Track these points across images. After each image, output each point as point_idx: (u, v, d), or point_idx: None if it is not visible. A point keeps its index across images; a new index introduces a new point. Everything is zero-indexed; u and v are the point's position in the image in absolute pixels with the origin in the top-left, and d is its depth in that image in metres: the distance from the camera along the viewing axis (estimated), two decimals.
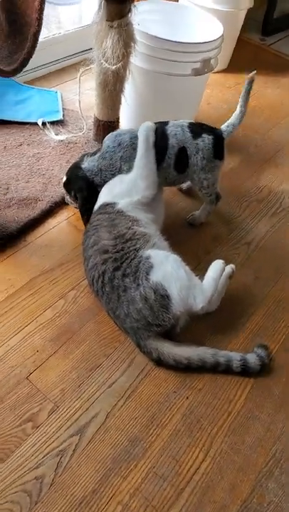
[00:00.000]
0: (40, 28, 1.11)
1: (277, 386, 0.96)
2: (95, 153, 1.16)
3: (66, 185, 1.20)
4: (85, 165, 1.15)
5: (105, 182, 1.14)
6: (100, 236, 1.00)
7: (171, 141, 1.12)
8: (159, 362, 0.93)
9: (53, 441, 0.82)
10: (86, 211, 1.14)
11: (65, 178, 1.19)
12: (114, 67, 1.22)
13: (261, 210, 1.40)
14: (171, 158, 1.13)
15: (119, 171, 1.12)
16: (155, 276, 0.92)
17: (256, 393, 0.94)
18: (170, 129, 1.13)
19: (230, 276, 1.05)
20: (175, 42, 1.28)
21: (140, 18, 1.27)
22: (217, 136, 1.14)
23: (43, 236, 1.19)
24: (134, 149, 1.11)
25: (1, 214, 1.19)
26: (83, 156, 1.19)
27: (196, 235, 1.28)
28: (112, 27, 1.16)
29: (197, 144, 1.12)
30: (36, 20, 1.08)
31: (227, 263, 1.19)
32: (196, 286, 0.95)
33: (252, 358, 0.94)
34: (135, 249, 0.97)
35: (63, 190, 1.22)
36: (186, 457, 0.83)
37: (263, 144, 1.69)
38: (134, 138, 1.11)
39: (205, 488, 0.80)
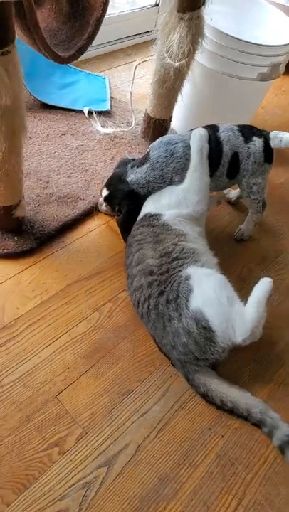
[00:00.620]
0: (105, 13, 1.03)
1: None
2: (141, 163, 1.05)
3: (108, 200, 1.10)
4: (131, 177, 1.05)
5: (151, 193, 1.05)
6: (145, 254, 0.93)
7: (226, 148, 1.04)
8: (206, 398, 0.86)
9: (80, 472, 0.77)
10: (129, 226, 1.05)
11: (106, 192, 1.10)
12: (177, 64, 1.12)
13: None
14: (224, 166, 1.06)
15: (170, 183, 1.04)
16: (195, 302, 0.84)
17: None
18: (223, 135, 1.04)
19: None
20: (247, 42, 1.16)
21: (208, 11, 1.16)
22: (267, 138, 1.06)
23: (81, 239, 1.13)
24: (188, 160, 1.02)
25: (40, 210, 1.12)
26: (124, 163, 1.10)
27: (241, 253, 1.20)
28: (182, 19, 1.05)
29: (249, 147, 1.05)
30: (102, 4, 1.00)
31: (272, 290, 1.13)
32: (237, 316, 0.85)
33: None
34: (180, 270, 0.90)
35: (100, 199, 1.15)
36: (218, 504, 0.78)
37: None
38: (187, 147, 1.03)
39: None
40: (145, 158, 1.06)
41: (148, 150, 1.08)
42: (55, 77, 1.55)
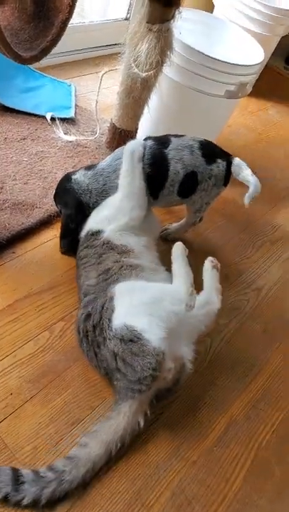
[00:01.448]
0: (71, 16, 0.97)
1: (280, 465, 0.85)
2: (89, 168, 1.01)
3: (54, 197, 1.06)
4: (76, 175, 1.00)
5: (93, 204, 1.00)
6: (88, 276, 0.88)
7: (175, 166, 0.98)
8: None
9: None
10: (68, 232, 1.00)
11: (54, 192, 1.06)
12: (144, 75, 1.09)
13: (274, 253, 1.30)
14: (174, 186, 1.00)
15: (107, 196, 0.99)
16: (118, 320, 0.76)
17: (256, 472, 0.82)
18: (173, 153, 0.98)
19: (217, 268, 0.95)
20: (216, 59, 1.15)
21: (178, 26, 1.15)
22: (230, 162, 1.02)
23: (34, 250, 1.04)
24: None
25: None
26: (79, 168, 1.05)
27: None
28: (151, 30, 1.02)
29: (212, 169, 1.00)
30: (68, 6, 0.94)
31: (235, 310, 1.10)
32: (167, 294, 0.80)
33: None
34: (110, 287, 0.83)
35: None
36: None
37: (282, 178, 1.60)
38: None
39: None
40: (94, 165, 1.02)
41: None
42: (18, 80, 1.48)
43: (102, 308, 0.79)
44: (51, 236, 1.09)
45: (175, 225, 1.18)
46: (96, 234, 0.93)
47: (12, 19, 1.00)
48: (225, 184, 1.04)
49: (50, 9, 0.97)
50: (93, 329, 0.79)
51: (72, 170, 1.20)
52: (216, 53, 1.18)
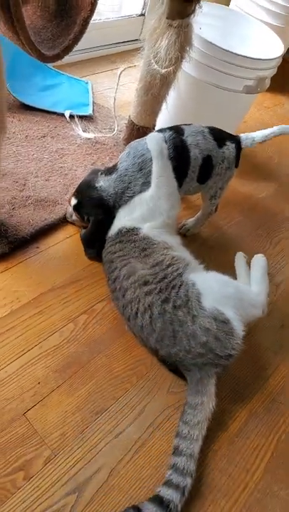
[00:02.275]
0: (93, 14, 0.99)
1: None
2: (110, 172, 1.01)
3: (77, 209, 1.04)
4: (100, 184, 1.00)
5: (119, 205, 1.00)
6: (135, 267, 0.89)
7: (194, 151, 1.00)
8: None
9: (46, 499, 0.70)
10: (96, 239, 1.00)
11: (74, 200, 1.03)
12: (164, 71, 1.10)
13: None
14: (194, 172, 1.02)
15: (133, 195, 0.99)
16: (208, 303, 0.83)
17: (276, 463, 0.84)
18: (190, 139, 1.00)
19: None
20: (234, 54, 1.16)
21: (198, 21, 1.15)
22: (239, 143, 1.06)
23: (57, 245, 1.07)
24: None
25: (15, 214, 1.06)
26: (94, 172, 1.04)
27: (223, 265, 1.17)
28: (171, 26, 1.03)
29: (223, 152, 1.03)
30: (90, 4, 0.96)
31: None
32: (248, 295, 0.90)
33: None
34: (179, 275, 0.87)
35: (69, 209, 1.08)
36: None
37: None
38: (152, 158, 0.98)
39: None
40: (114, 167, 1.02)
41: (119, 159, 1.03)
42: (37, 78, 1.50)
43: (188, 291, 0.84)
44: (72, 232, 1.11)
45: (192, 219, 1.19)
46: (131, 231, 0.94)
47: (34, 18, 1.02)
48: (236, 165, 1.07)
49: (72, 7, 0.99)
50: (174, 309, 0.83)
51: (90, 167, 1.23)
52: (235, 47, 1.18)
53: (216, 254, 1.18)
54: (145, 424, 0.83)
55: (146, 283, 0.86)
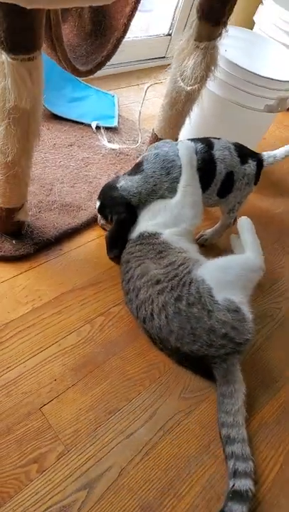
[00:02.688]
0: (125, 34, 1.06)
1: None
2: (134, 173, 1.04)
3: (101, 210, 1.09)
4: (121, 183, 1.03)
5: (142, 204, 1.04)
6: (148, 267, 0.92)
7: (220, 166, 1.04)
8: None
9: (58, 493, 0.72)
10: (120, 238, 1.04)
11: (98, 203, 1.09)
12: (189, 88, 1.15)
13: None
14: (216, 185, 1.06)
15: (160, 197, 1.03)
16: (219, 295, 0.87)
17: (284, 476, 0.84)
18: (218, 154, 1.05)
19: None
20: (257, 75, 1.20)
21: (223, 43, 1.20)
22: (260, 161, 1.10)
23: (79, 248, 1.11)
24: None
25: (40, 216, 1.10)
26: (117, 177, 1.09)
27: None
28: (198, 47, 1.08)
29: (245, 169, 1.07)
30: (124, 25, 1.02)
31: (267, 317, 1.13)
32: (247, 266, 0.94)
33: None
34: (188, 272, 0.90)
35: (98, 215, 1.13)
36: None
37: None
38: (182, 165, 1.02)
39: None
40: (138, 168, 1.05)
41: (140, 160, 1.07)
42: (67, 90, 1.57)
43: (198, 288, 0.87)
44: (94, 236, 1.15)
45: (210, 230, 1.22)
46: (153, 235, 0.98)
47: (71, 36, 1.09)
48: (255, 183, 1.11)
49: (106, 28, 1.05)
50: (188, 307, 0.86)
51: (114, 176, 1.28)
52: (257, 69, 1.23)
53: None
54: (156, 427, 0.84)
55: (158, 282, 0.89)
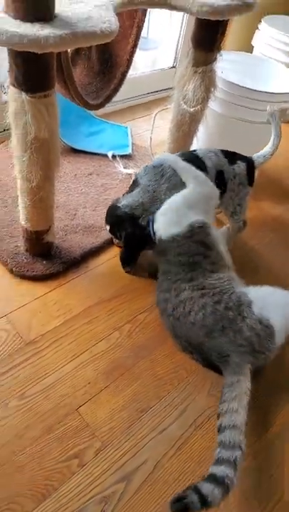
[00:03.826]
0: (129, 69, 1.18)
1: None
2: (131, 190, 1.11)
3: (111, 231, 1.15)
4: (122, 203, 1.10)
5: (147, 212, 1.08)
6: (198, 275, 0.98)
7: (208, 163, 1.10)
8: None
9: (98, 485, 0.77)
10: (133, 248, 1.10)
11: (107, 227, 1.15)
12: (192, 110, 1.25)
13: None
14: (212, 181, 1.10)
15: (161, 201, 1.07)
16: (257, 309, 0.91)
17: None
18: (202, 153, 1.12)
19: None
20: (254, 90, 1.30)
21: (220, 66, 1.31)
22: (250, 162, 1.16)
23: (103, 265, 1.19)
24: (176, 176, 1.08)
25: (67, 238, 1.21)
26: (117, 199, 1.14)
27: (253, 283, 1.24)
28: (196, 72, 1.19)
29: (234, 169, 1.13)
30: (127, 61, 1.14)
31: None
32: None
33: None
34: (232, 287, 0.96)
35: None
36: None
37: None
38: (171, 165, 1.09)
39: None
40: (134, 185, 1.11)
41: (135, 178, 1.13)
42: (83, 126, 1.72)
43: (240, 298, 0.93)
44: (116, 253, 1.24)
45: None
46: (203, 226, 1.01)
47: (82, 77, 1.23)
48: (250, 184, 1.16)
49: (112, 65, 1.18)
50: (225, 309, 0.91)
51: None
52: (256, 85, 1.32)
53: (247, 271, 1.25)
54: (187, 423, 0.88)
55: (203, 287, 0.94)
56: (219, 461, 0.72)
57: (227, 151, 1.16)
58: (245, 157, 1.17)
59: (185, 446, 0.85)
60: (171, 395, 0.93)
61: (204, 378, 0.96)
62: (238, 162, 1.14)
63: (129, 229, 1.09)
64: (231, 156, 1.15)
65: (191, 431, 0.87)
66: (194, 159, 1.11)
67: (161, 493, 0.78)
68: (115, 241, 1.24)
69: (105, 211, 1.33)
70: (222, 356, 0.89)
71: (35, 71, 0.76)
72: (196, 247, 0.99)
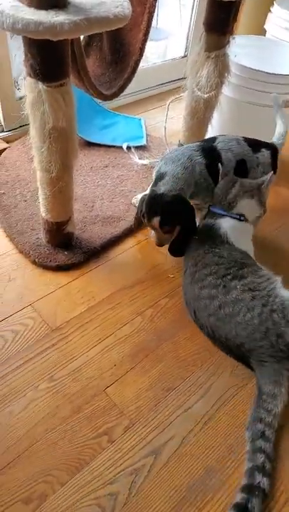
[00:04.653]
0: (142, 57, 1.19)
1: None
2: (158, 182, 1.05)
3: (165, 222, 1.03)
4: (162, 190, 1.03)
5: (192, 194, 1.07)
6: (246, 272, 0.99)
7: (227, 155, 1.08)
8: None
9: (128, 459, 0.80)
10: (189, 234, 1.05)
11: (157, 218, 1.03)
12: (206, 96, 1.26)
13: None
14: (229, 173, 1.09)
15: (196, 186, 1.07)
16: None
17: None
18: (221, 145, 1.09)
19: None
20: (268, 73, 1.29)
21: (232, 50, 1.31)
22: (274, 149, 1.13)
23: (123, 254, 1.22)
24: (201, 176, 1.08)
25: (86, 229, 1.24)
26: (151, 191, 1.06)
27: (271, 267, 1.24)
28: (209, 57, 1.20)
29: (258, 157, 1.10)
30: (139, 49, 1.16)
31: None
32: None
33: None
34: (274, 288, 0.96)
35: (151, 232, 1.12)
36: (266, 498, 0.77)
37: None
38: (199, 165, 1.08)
39: None
40: (160, 178, 1.05)
41: (157, 173, 1.08)
42: (97, 119, 1.75)
43: (284, 303, 0.93)
44: (135, 242, 1.26)
45: None
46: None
47: (94, 68, 1.26)
48: (274, 171, 1.13)
49: (124, 54, 1.20)
50: (270, 312, 0.91)
51: (148, 187, 1.39)
52: (270, 69, 1.32)
53: (265, 255, 1.26)
54: (212, 401, 0.90)
55: (254, 288, 0.95)
56: (265, 472, 0.77)
57: (250, 138, 1.14)
58: (269, 144, 1.15)
59: (211, 422, 0.87)
60: (195, 374, 0.95)
61: (227, 359, 0.98)
62: (263, 150, 1.12)
63: (187, 215, 1.03)
64: (255, 145, 1.13)
65: (216, 408, 0.89)
66: (211, 151, 1.08)
67: (190, 465, 0.80)
68: (151, 234, 1.15)
69: (122, 201, 1.35)
70: (260, 360, 0.91)
71: (50, 59, 0.78)
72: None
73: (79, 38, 0.96)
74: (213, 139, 1.13)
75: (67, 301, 1.07)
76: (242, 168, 1.11)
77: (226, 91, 1.36)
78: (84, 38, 1.29)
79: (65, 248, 1.17)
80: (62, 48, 0.78)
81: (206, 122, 1.39)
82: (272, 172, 1.08)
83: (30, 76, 0.81)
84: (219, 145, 1.11)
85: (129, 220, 1.30)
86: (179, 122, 1.80)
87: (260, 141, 1.16)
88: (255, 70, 1.30)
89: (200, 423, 0.87)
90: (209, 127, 1.41)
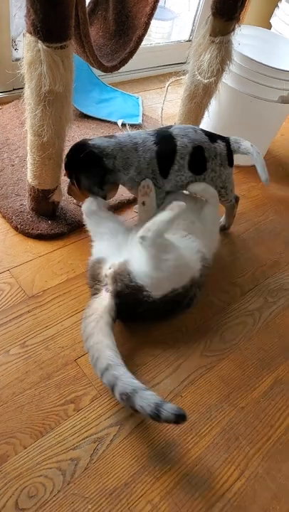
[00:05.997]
0: (146, 32, 1.17)
1: None
2: (109, 137, 1.00)
3: (67, 166, 1.00)
4: (94, 142, 0.97)
5: (116, 168, 0.98)
6: None
7: (182, 140, 1.03)
8: None
9: (92, 428, 0.82)
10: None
11: (65, 159, 1.00)
12: (206, 81, 1.25)
13: None
14: (184, 159, 1.03)
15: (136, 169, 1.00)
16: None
17: None
18: (177, 131, 1.04)
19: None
20: (269, 67, 1.29)
21: (236, 39, 1.30)
22: (229, 143, 1.10)
23: None
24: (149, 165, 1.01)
25: (72, 201, 1.23)
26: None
27: (256, 256, 1.27)
28: (213, 42, 1.19)
29: (215, 148, 1.07)
30: (144, 24, 1.14)
31: (284, 290, 1.19)
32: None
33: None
34: None
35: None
36: (221, 472, 0.81)
37: None
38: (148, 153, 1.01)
39: (236, 508, 0.77)
40: (112, 136, 1.01)
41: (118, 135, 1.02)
42: (94, 93, 1.72)
43: None
44: (122, 220, 1.26)
45: (223, 218, 1.29)
46: None
47: (97, 37, 1.23)
48: (230, 164, 1.10)
49: (129, 27, 1.18)
50: None
51: None
52: (271, 62, 1.32)
53: (250, 246, 1.28)
54: (180, 379, 0.93)
55: None
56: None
57: (206, 130, 1.10)
58: (223, 137, 1.11)
59: (177, 398, 0.90)
60: (166, 352, 0.97)
61: (198, 340, 1.01)
62: (218, 141, 1.08)
63: (85, 168, 0.98)
64: (211, 135, 1.09)
65: (182, 386, 0.92)
66: (165, 137, 1.03)
67: (152, 437, 0.83)
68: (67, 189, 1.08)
69: None
70: None
71: (53, 17, 0.75)
72: None
73: (84, 1, 0.93)
74: (169, 126, 1.09)
75: (46, 270, 1.07)
76: (200, 156, 1.06)
77: (226, 80, 1.35)
78: (89, 4, 1.26)
79: (49, 217, 1.16)
80: (66, 6, 0.75)
81: (203, 108, 1.38)
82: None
83: (30, 33, 0.78)
84: (175, 131, 1.06)
85: (116, 196, 1.29)
86: (176, 106, 1.79)
87: (214, 133, 1.11)
88: (257, 61, 1.30)
89: (166, 399, 0.88)
90: (206, 114, 1.41)
